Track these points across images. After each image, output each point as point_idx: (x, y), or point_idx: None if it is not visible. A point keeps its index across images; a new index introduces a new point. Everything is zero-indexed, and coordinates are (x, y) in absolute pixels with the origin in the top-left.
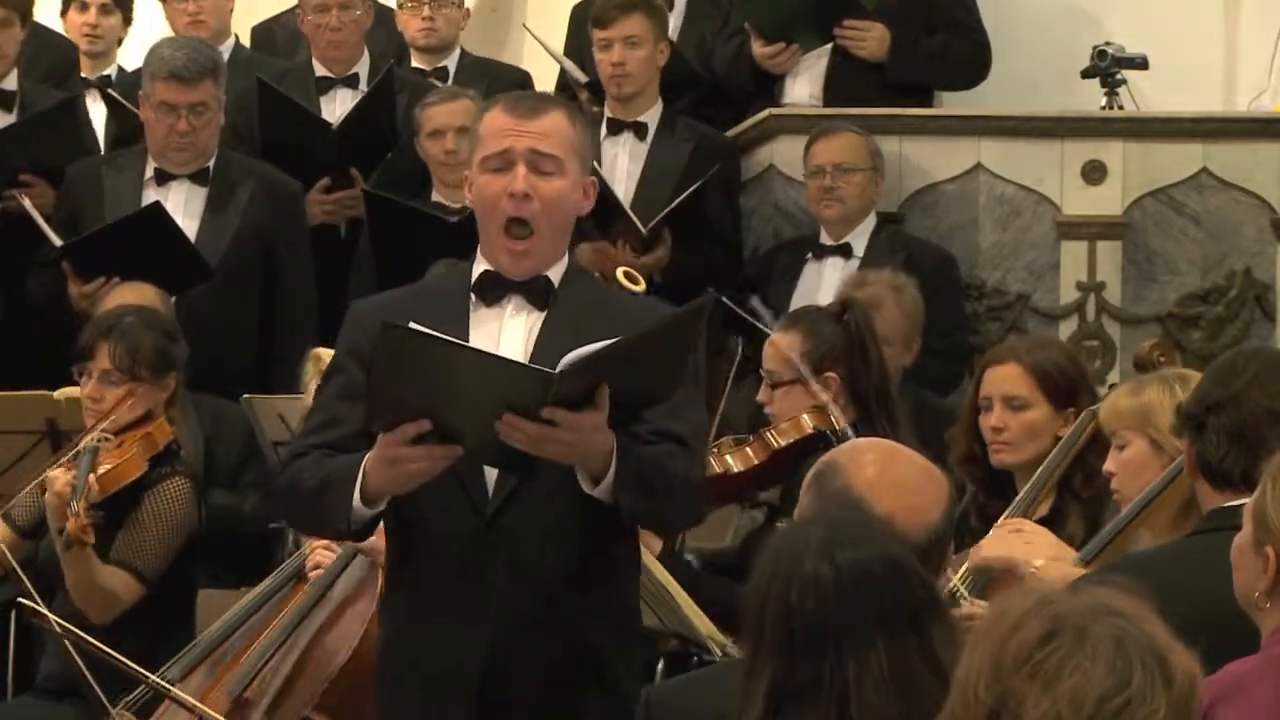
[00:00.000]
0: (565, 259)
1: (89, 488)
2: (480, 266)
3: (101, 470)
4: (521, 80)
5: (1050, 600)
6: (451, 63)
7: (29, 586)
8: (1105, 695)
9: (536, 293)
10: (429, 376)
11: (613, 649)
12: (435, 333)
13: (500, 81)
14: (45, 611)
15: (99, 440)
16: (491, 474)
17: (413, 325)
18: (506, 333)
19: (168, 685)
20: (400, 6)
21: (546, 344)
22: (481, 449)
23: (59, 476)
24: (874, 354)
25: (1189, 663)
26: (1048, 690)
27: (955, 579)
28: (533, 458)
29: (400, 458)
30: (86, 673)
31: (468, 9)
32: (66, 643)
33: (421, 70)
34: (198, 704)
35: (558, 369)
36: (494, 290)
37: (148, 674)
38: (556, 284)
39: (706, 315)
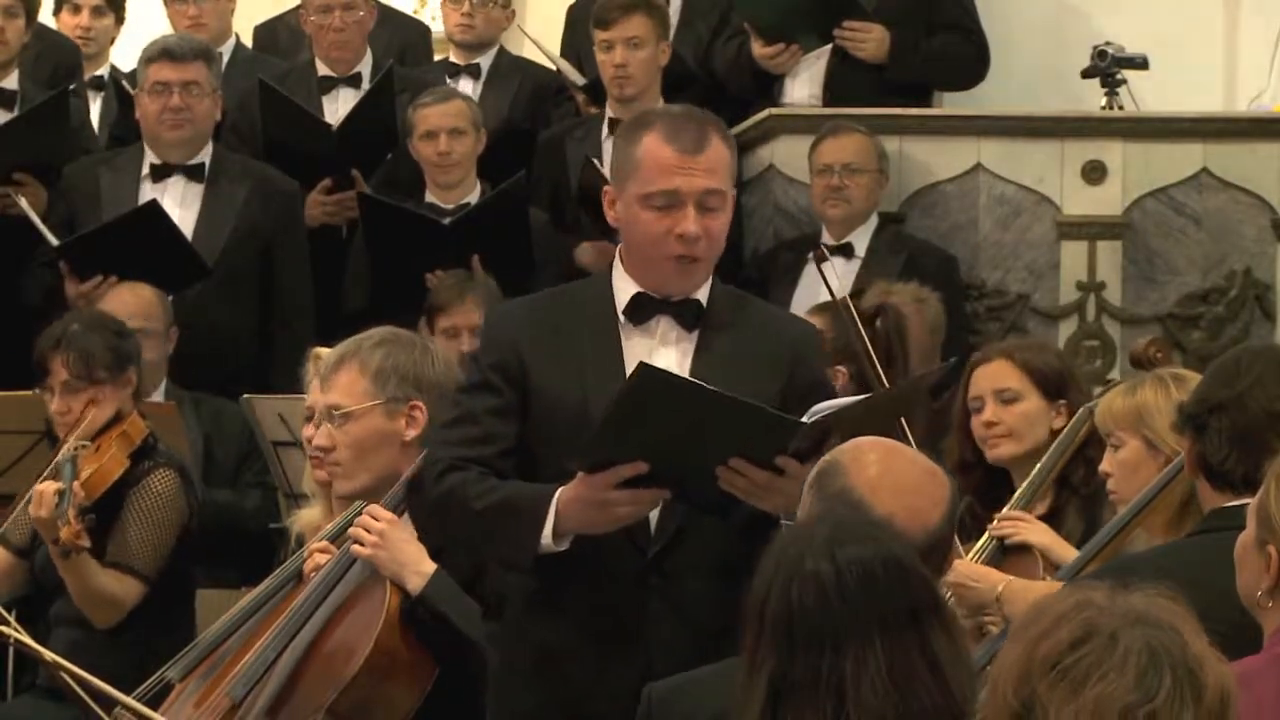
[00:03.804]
0: (710, 277)
1: (75, 494)
2: (629, 287)
3: (85, 474)
4: (555, 83)
5: (1088, 605)
6: (486, 60)
7: (14, 624)
8: (1130, 706)
9: (687, 314)
10: (674, 420)
11: None
12: (692, 379)
13: (531, 81)
14: (35, 646)
15: (76, 449)
16: (653, 515)
17: (673, 371)
18: (658, 357)
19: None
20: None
21: (701, 370)
22: (687, 492)
23: (44, 489)
24: (900, 363)
25: (1222, 677)
26: (1072, 697)
27: (976, 547)
28: (729, 504)
29: (611, 500)
30: (84, 695)
31: (512, 10)
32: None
33: (455, 65)
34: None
35: (806, 418)
36: (644, 310)
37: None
38: (705, 304)
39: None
